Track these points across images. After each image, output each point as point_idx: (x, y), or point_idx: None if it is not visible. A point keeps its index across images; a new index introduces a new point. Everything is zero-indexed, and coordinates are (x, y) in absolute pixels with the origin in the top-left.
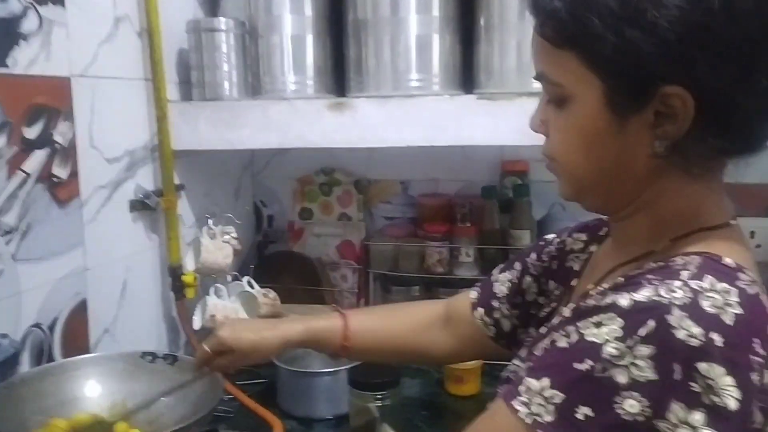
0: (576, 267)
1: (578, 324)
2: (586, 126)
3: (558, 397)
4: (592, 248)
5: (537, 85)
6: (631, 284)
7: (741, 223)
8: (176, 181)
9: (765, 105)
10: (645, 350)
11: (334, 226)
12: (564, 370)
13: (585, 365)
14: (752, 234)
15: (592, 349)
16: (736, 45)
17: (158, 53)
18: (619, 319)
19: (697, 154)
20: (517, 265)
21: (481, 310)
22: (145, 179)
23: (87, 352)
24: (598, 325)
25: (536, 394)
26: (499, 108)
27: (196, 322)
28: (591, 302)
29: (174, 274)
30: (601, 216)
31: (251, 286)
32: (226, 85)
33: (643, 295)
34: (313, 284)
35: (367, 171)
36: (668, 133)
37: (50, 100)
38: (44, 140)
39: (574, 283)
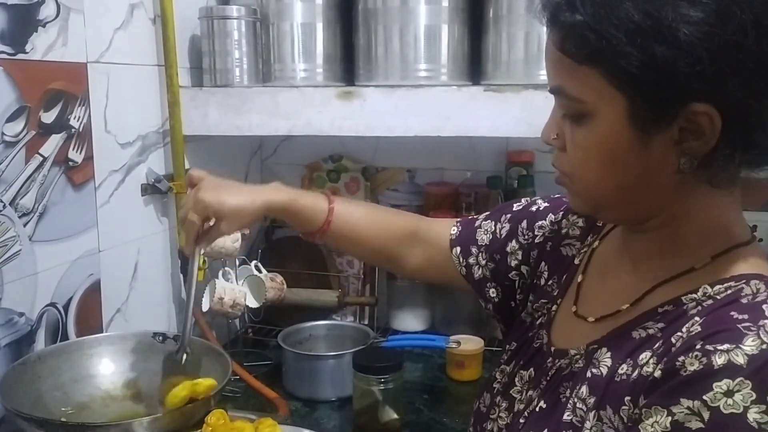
0: (575, 259)
1: (704, 398)
2: (608, 144)
3: None
4: (594, 243)
5: (543, 78)
6: (721, 332)
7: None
8: (187, 165)
9: None
10: None
11: None
12: None
13: None
14: (754, 228)
15: (738, 422)
16: (764, 60)
17: (171, 40)
18: (747, 381)
19: (722, 168)
20: (505, 222)
21: (458, 249)
22: (157, 163)
23: (100, 331)
24: (729, 393)
25: None
26: (506, 99)
27: (205, 305)
28: (692, 364)
29: (184, 256)
30: None
31: (259, 271)
32: (237, 71)
33: (751, 345)
34: (319, 269)
35: (374, 159)
36: (694, 150)
37: (67, 86)
38: (61, 124)
39: (579, 279)
